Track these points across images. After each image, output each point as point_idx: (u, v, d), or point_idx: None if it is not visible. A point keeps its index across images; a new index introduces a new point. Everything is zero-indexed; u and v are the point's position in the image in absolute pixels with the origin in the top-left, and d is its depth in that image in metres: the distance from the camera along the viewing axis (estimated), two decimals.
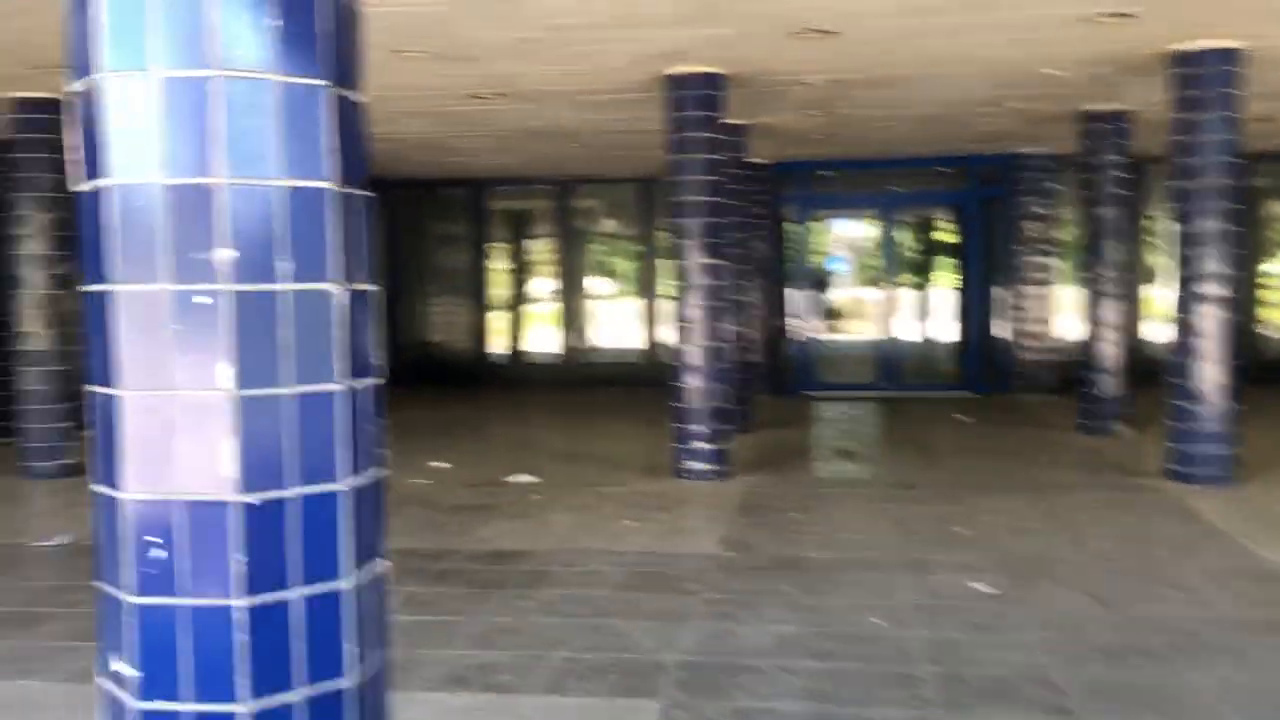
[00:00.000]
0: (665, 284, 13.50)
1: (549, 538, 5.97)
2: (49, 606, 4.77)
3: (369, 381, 1.66)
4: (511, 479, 7.64)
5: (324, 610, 1.56)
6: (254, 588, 1.50)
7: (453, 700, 3.70)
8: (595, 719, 3.53)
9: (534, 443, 9.64)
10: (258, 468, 1.51)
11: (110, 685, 1.57)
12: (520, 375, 14.37)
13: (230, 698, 1.49)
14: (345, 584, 1.59)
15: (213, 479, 1.49)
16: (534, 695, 3.73)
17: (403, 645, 4.18)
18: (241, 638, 1.49)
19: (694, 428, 7.54)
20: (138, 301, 1.49)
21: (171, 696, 1.50)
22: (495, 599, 4.84)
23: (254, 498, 1.50)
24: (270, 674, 1.51)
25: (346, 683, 1.58)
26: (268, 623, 1.51)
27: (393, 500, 6.74)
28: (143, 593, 1.50)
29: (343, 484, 1.59)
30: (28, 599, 4.93)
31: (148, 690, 1.50)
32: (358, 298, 1.64)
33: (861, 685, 3.76)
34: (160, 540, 1.48)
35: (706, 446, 7.53)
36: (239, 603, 1.49)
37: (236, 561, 1.49)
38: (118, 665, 1.54)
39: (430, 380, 14.10)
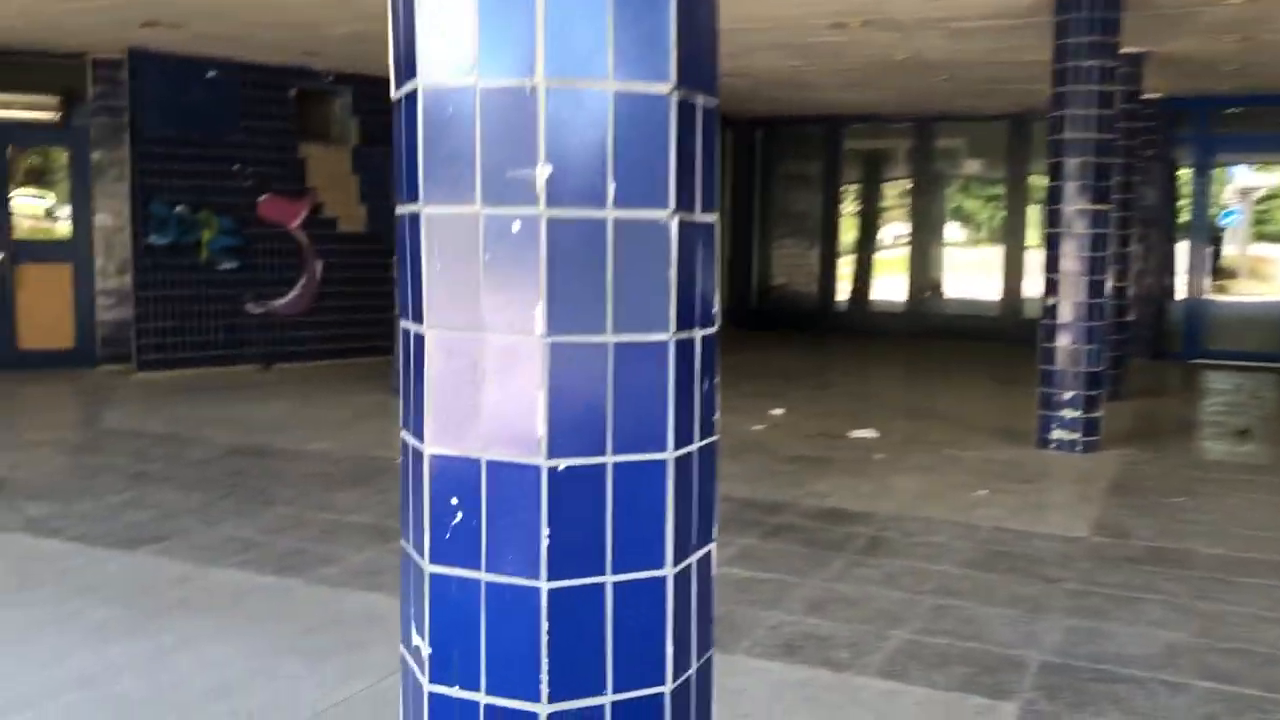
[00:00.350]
0: (1033, 232, 12.47)
1: (891, 501, 5.57)
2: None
3: (705, 332, 1.38)
4: (853, 434, 7.26)
5: (641, 601, 1.31)
6: (561, 569, 1.27)
7: (784, 671, 3.44)
8: (943, 716, 3.14)
9: (878, 396, 9.19)
10: (572, 428, 1.27)
11: (409, 658, 1.40)
12: (867, 323, 13.86)
13: (530, 695, 1.27)
14: (667, 572, 1.32)
15: (521, 438, 1.27)
16: (872, 678, 3.39)
17: (735, 603, 3.98)
18: (545, 626, 1.27)
19: (1061, 392, 6.82)
20: (446, 226, 1.28)
21: (464, 683, 1.30)
22: (832, 563, 4.53)
23: (566, 463, 1.26)
24: (576, 672, 1.28)
25: (664, 689, 1.33)
26: (575, 612, 1.27)
27: (730, 446, 6.60)
28: (437, 561, 1.31)
29: (669, 453, 1.32)
30: (386, 512, 5.17)
31: (438, 672, 1.32)
32: (697, 230, 1.35)
33: (1269, 718, 3.13)
34: (459, 502, 1.28)
35: (1074, 414, 6.79)
36: (544, 585, 1.26)
37: (544, 537, 1.26)
38: (416, 639, 1.36)
39: (773, 324, 13.90)
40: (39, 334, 10.00)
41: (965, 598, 4.11)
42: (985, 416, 7.95)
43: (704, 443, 1.39)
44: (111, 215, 9.93)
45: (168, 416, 7.77)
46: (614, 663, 1.29)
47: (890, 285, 14.08)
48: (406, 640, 1.41)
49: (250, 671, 3.39)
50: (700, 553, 1.40)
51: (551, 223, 1.24)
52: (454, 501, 1.29)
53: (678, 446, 1.32)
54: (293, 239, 10.38)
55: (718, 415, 1.43)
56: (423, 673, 1.34)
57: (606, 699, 1.29)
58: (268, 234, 10.24)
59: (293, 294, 10.40)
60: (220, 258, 9.97)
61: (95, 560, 4.48)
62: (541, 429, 1.25)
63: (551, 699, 1.27)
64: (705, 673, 1.42)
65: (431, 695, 1.33)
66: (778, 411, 8.02)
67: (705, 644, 1.41)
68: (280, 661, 3.46)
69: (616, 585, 1.29)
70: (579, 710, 1.28)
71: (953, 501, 5.55)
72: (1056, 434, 6.82)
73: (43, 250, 10.16)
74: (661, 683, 1.32)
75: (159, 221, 9.62)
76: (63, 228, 10.29)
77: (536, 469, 1.26)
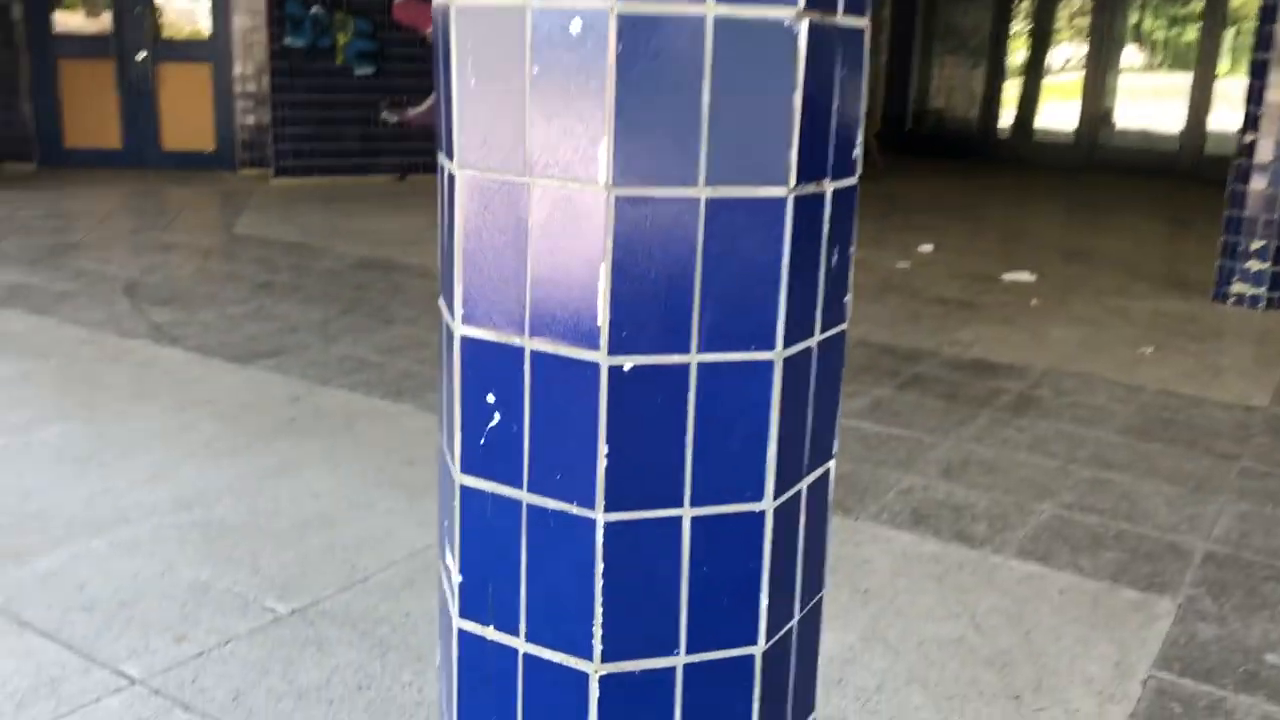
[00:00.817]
0: (1226, 60, 11.24)
1: (1044, 354, 5.11)
2: None
3: (840, 184, 1.01)
4: (1007, 276, 6.72)
5: (729, 541, 1.00)
6: (623, 497, 0.96)
7: (912, 543, 3.14)
8: (1089, 607, 2.81)
9: (1037, 234, 8.53)
10: (644, 315, 0.93)
11: (443, 578, 1.14)
12: (1031, 154, 12.89)
13: (580, 649, 0.99)
14: (766, 505, 1.01)
15: (575, 325, 0.94)
16: (1011, 557, 3.07)
17: (862, 461, 3.68)
18: (600, 566, 0.97)
19: (1248, 241, 6.11)
20: (481, 24, 0.93)
21: (499, 623, 1.03)
22: (973, 422, 4.15)
23: (634, 361, 0.94)
24: (638, 626, 0.99)
25: (754, 649, 1.03)
26: (640, 551, 0.97)
27: (871, 286, 6.18)
28: (469, 470, 1.02)
29: (778, 351, 0.98)
30: None
31: (469, 605, 1.05)
32: (837, 39, 0.96)
33: None
34: (496, 400, 0.98)
35: (1261, 266, 6.10)
36: (600, 515, 0.96)
37: (602, 455, 0.95)
38: (449, 558, 1.09)
39: (928, 150, 13.07)
40: (181, 135, 10.04)
41: (1123, 470, 3.71)
42: (1156, 263, 7.27)
43: (827, 335, 1.04)
44: (249, 15, 9.74)
45: (299, 225, 7.71)
46: (690, 616, 1.00)
47: (1059, 113, 13.00)
48: (441, 555, 1.14)
49: (350, 503, 3.26)
50: (813, 476, 1.07)
51: (626, 21, 0.88)
52: (490, 399, 0.99)
53: (790, 343, 0.98)
54: (429, 46, 10.04)
55: (849, 297, 1.07)
56: (453, 602, 1.07)
57: (678, 660, 1.00)
58: (403, 39, 9.91)
59: (428, 103, 10.13)
60: (356, 63, 9.72)
61: (211, 372, 4.43)
62: (602, 314, 0.92)
63: (606, 657, 0.98)
64: (811, 624, 1.11)
65: (461, 633, 1.06)
66: (926, 248, 7.49)
67: (813, 587, 1.10)
68: (382, 494, 3.33)
69: (697, 521, 0.98)
70: (641, 674, 0.99)
71: (1114, 358, 5.06)
72: (1237, 287, 6.16)
73: (183, 49, 10.08)
74: (752, 641, 1.03)
75: (294, 22, 9.39)
76: (203, 27, 10.18)
77: (594, 368, 0.93)
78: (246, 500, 3.24)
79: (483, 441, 1.00)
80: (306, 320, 5.23)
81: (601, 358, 0.93)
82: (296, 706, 2.28)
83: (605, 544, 0.96)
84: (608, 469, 0.95)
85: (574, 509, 0.96)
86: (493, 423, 0.99)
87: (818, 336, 1.02)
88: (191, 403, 4.05)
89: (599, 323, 0.92)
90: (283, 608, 2.67)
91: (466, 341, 0.99)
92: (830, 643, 2.58)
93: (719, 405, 0.96)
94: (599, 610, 0.97)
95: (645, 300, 0.92)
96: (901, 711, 2.36)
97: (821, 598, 1.13)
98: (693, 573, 0.98)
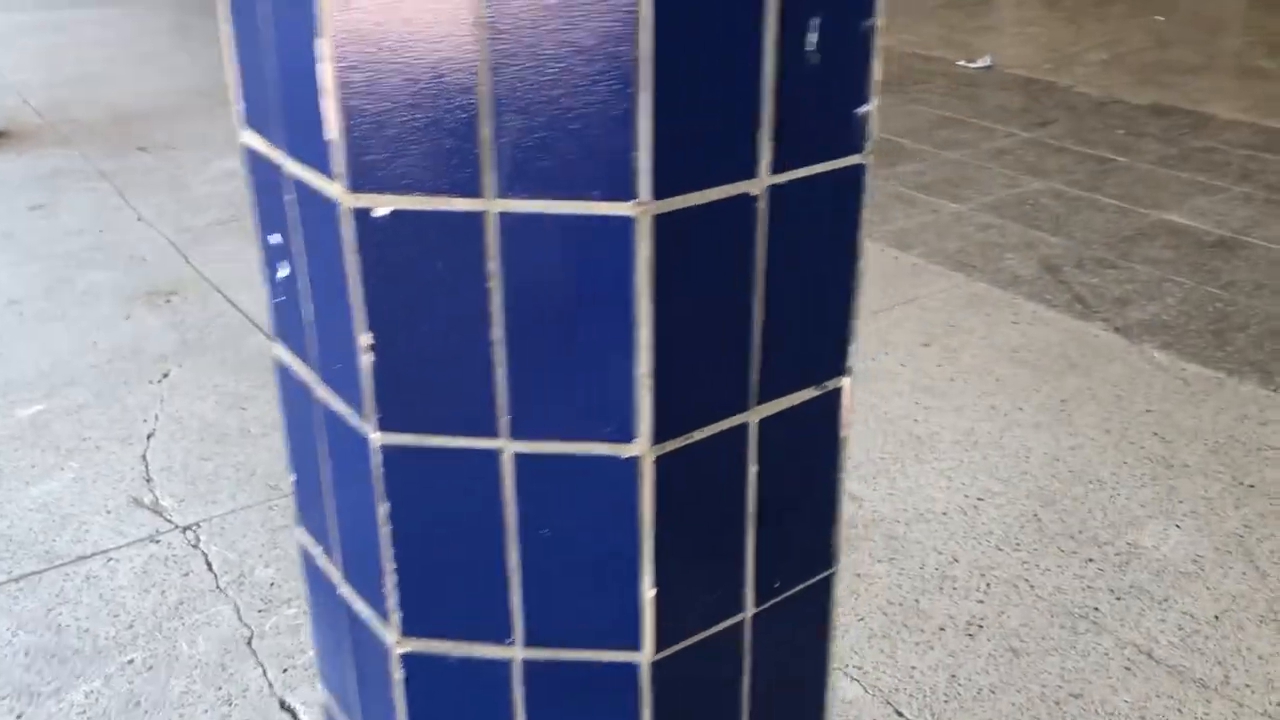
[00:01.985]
0: None
1: None
2: (922, 143, 4.24)
3: None
4: None
5: (579, 493, 0.62)
6: (403, 414, 0.62)
7: None
8: None
9: None
10: (398, 123, 0.55)
11: None
12: None
13: (380, 609, 0.68)
14: (639, 449, 0.61)
15: (311, 132, 0.59)
16: None
17: None
18: (383, 506, 0.64)
19: None
20: None
21: (325, 545, 0.74)
22: None
23: (393, 202, 0.57)
24: (448, 594, 0.65)
25: (639, 657, 0.66)
26: (437, 490, 0.63)
27: None
28: (275, 333, 0.71)
29: (642, 203, 0.56)
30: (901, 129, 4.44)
31: (301, 510, 0.77)
32: None
33: None
34: (278, 241, 0.66)
35: None
36: (372, 433, 0.63)
37: (363, 345, 0.61)
38: None
39: None
40: None
41: None
42: None
43: (793, 176, 0.58)
44: None
45: None
46: (526, 594, 0.64)
47: None
48: None
49: None
50: (811, 394, 0.64)
51: None
52: (275, 240, 0.67)
53: (668, 190, 0.55)
54: None
55: (867, 109, 0.60)
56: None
57: (514, 653, 0.66)
58: None
59: None
60: None
61: None
62: (332, 118, 0.56)
63: (407, 628, 0.67)
64: (788, 621, 0.71)
65: (300, 544, 0.79)
66: None
67: (791, 573, 0.69)
68: None
69: (526, 460, 0.61)
70: (459, 661, 0.67)
71: None
72: None
73: None
74: (633, 645, 0.65)
75: None
76: None
77: (331, 208, 0.58)
78: None
79: (279, 299, 0.69)
80: None
81: (339, 192, 0.57)
82: None
83: (387, 474, 0.63)
84: (376, 370, 0.60)
85: (351, 417, 0.64)
86: (282, 273, 0.68)
87: (769, 177, 0.57)
88: None
89: (331, 134, 0.56)
90: None
91: (249, 155, 0.67)
92: (1171, 547, 2.02)
93: (537, 273, 0.56)
94: (389, 565, 0.66)
95: (399, 126, 0.53)
96: (1234, 656, 1.79)
97: (822, 581, 0.72)
98: (525, 531, 0.62)
